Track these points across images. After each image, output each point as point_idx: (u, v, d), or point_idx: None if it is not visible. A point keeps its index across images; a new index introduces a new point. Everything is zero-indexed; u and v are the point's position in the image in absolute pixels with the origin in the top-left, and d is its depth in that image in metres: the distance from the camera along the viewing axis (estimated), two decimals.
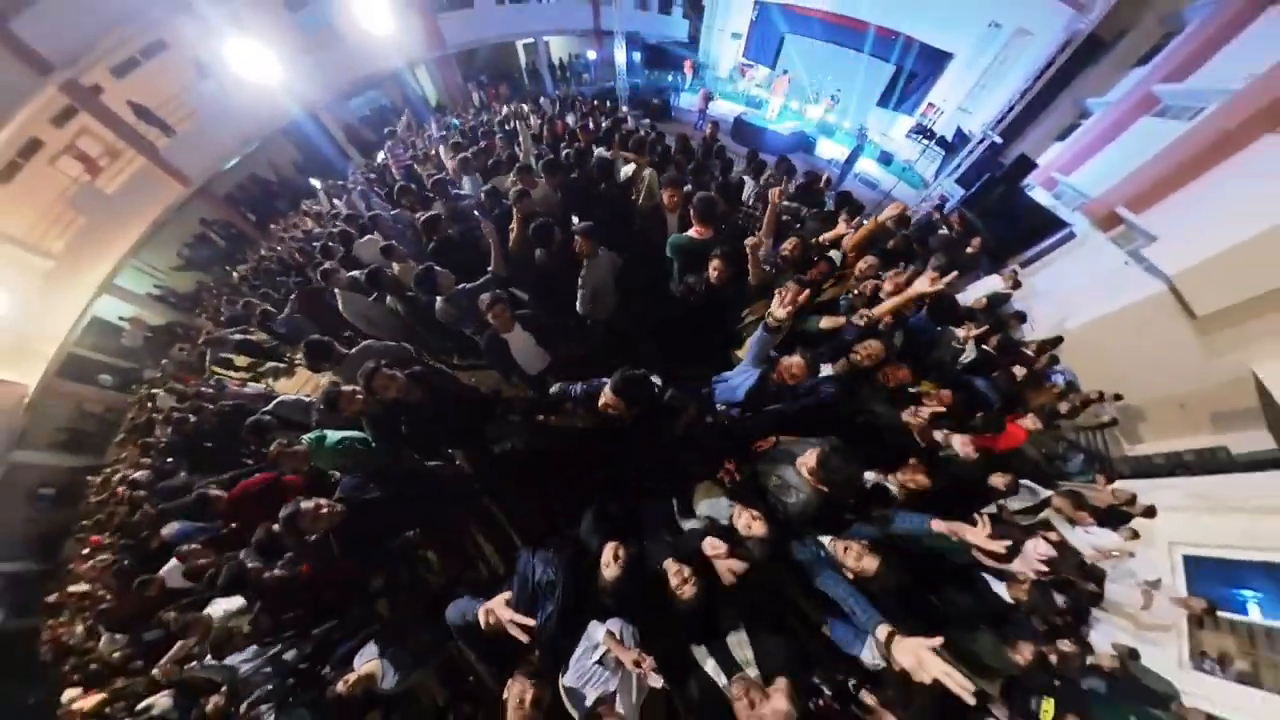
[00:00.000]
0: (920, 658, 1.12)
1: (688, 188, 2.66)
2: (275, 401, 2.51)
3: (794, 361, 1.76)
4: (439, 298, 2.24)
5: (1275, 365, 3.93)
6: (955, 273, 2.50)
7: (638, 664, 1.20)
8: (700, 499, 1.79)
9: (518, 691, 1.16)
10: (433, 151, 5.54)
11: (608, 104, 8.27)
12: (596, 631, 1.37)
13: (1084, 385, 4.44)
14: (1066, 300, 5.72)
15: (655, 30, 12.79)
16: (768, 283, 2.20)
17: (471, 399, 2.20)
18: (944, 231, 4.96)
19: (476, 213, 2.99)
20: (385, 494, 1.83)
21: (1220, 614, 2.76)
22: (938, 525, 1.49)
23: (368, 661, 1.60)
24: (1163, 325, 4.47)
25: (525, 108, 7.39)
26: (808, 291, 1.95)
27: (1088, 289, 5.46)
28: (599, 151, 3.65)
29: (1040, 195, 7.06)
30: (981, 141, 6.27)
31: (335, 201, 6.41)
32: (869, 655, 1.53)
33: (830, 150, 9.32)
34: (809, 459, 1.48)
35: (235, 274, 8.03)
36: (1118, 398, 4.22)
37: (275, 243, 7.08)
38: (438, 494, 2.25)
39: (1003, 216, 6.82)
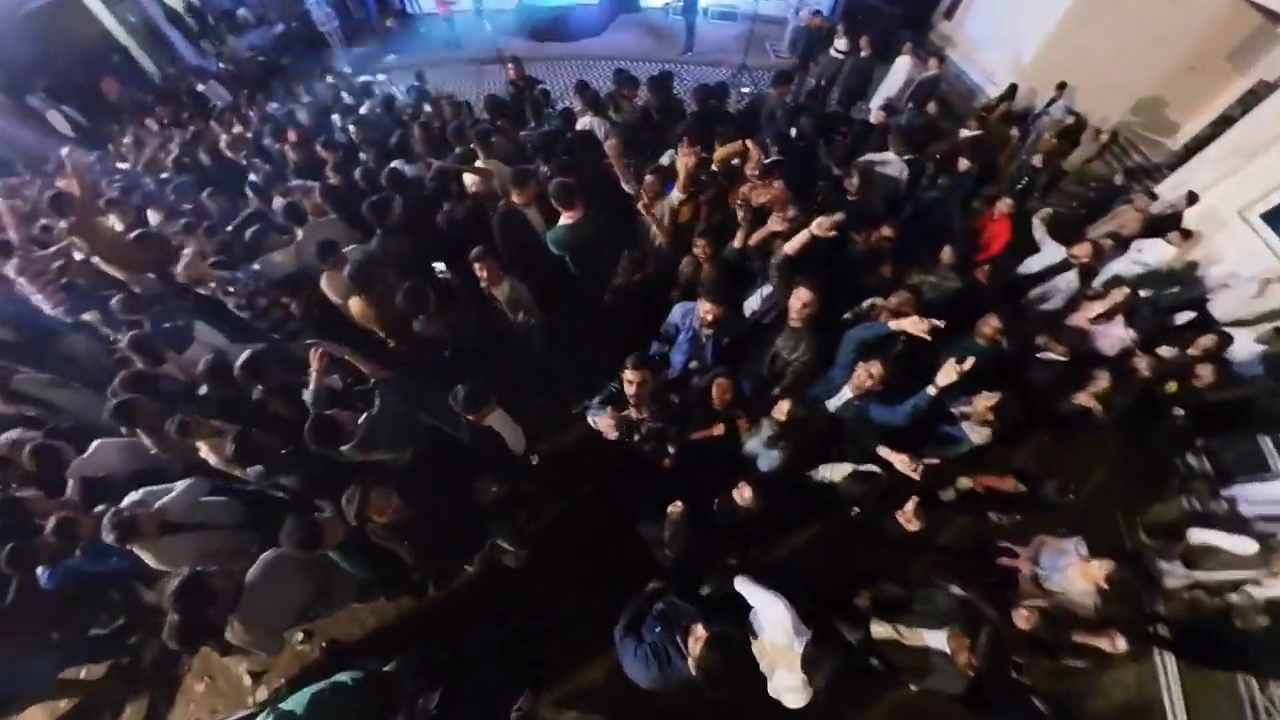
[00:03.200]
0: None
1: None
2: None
3: (703, 307, 2.58)
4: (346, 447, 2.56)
5: None
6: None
7: None
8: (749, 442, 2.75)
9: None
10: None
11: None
12: None
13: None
14: (1008, 35, 7.11)
15: None
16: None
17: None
18: (837, 50, 5.90)
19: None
20: None
21: None
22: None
23: None
24: None
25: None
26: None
27: (1024, 7, 6.72)
28: (402, 168, 4.09)
29: None
30: None
31: None
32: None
33: None
34: (800, 295, 2.47)
35: None
36: (1061, 86, 5.49)
37: None
38: None
39: None
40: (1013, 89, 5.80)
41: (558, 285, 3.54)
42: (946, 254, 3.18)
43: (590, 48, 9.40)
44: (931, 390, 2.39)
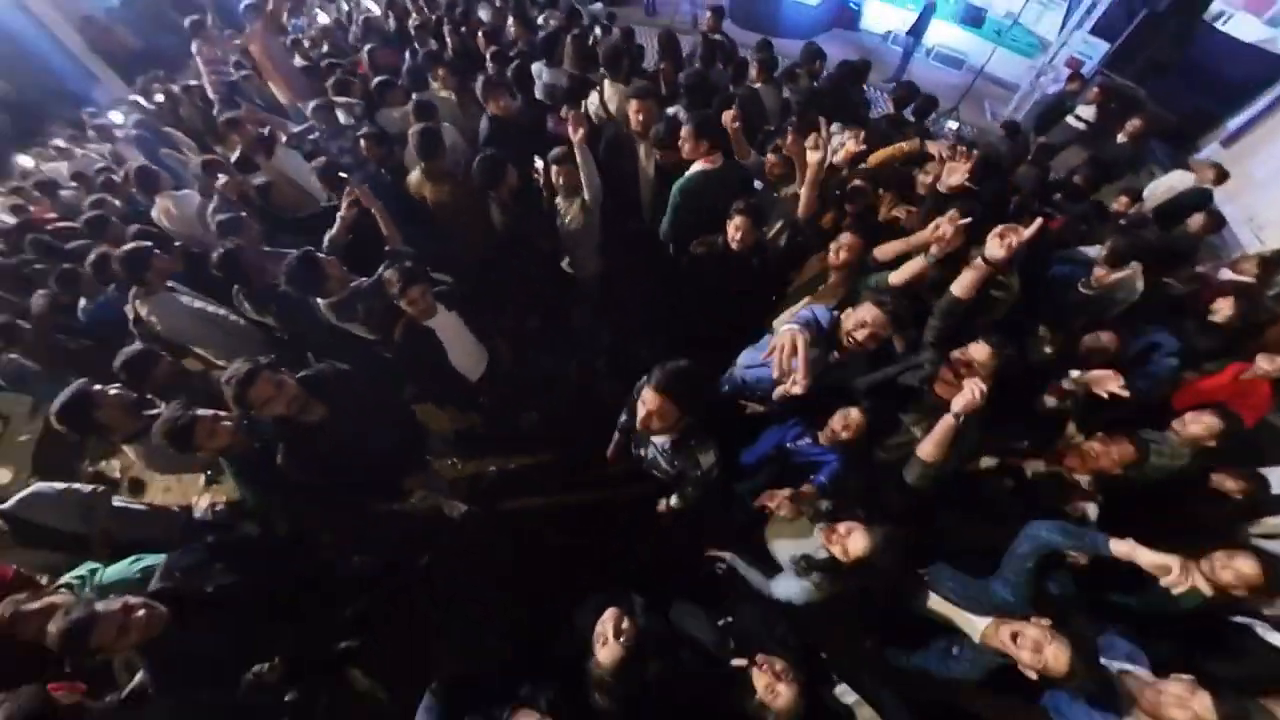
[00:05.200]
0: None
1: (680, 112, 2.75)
2: (20, 500, 2.19)
3: (863, 312, 1.77)
4: (324, 301, 2.25)
5: None
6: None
7: None
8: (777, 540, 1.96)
9: None
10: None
11: None
12: None
13: None
14: None
15: None
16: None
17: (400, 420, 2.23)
18: (1077, 118, 4.68)
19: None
20: (246, 585, 1.79)
21: None
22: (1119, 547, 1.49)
23: None
24: None
25: None
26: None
27: None
28: (542, 72, 3.74)
29: (1245, 28, 6.74)
30: None
31: (103, 148, 5.65)
32: None
33: (884, 19, 9.06)
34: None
35: None
36: None
37: None
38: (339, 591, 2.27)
39: (1181, 73, 6.54)
40: None
41: (639, 248, 2.90)
42: (1204, 424, 2.10)
43: (791, 49, 8.56)
44: None
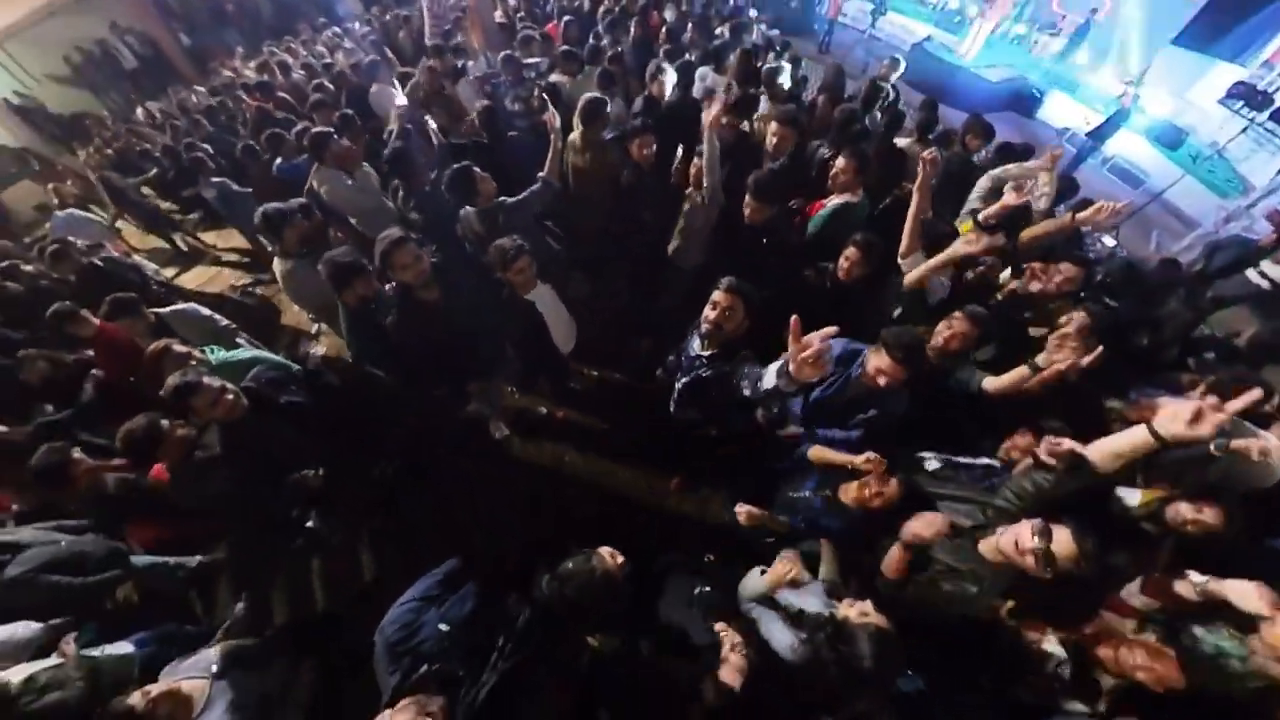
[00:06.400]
0: None
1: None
2: (173, 310, 2.80)
3: (881, 362, 1.70)
4: (471, 209, 2.50)
5: None
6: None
7: None
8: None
9: None
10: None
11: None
12: None
13: None
14: None
15: None
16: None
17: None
18: (1262, 275, 4.00)
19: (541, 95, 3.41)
20: (308, 411, 2.03)
21: None
22: None
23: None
24: None
25: None
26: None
27: None
28: (706, 75, 3.89)
29: None
30: None
31: (336, 55, 6.50)
32: None
33: (1066, 114, 8.21)
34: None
35: (143, 110, 8.05)
36: None
37: (216, 88, 6.72)
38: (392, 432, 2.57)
39: None
40: None
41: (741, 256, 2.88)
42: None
43: (956, 119, 8.04)
44: None
